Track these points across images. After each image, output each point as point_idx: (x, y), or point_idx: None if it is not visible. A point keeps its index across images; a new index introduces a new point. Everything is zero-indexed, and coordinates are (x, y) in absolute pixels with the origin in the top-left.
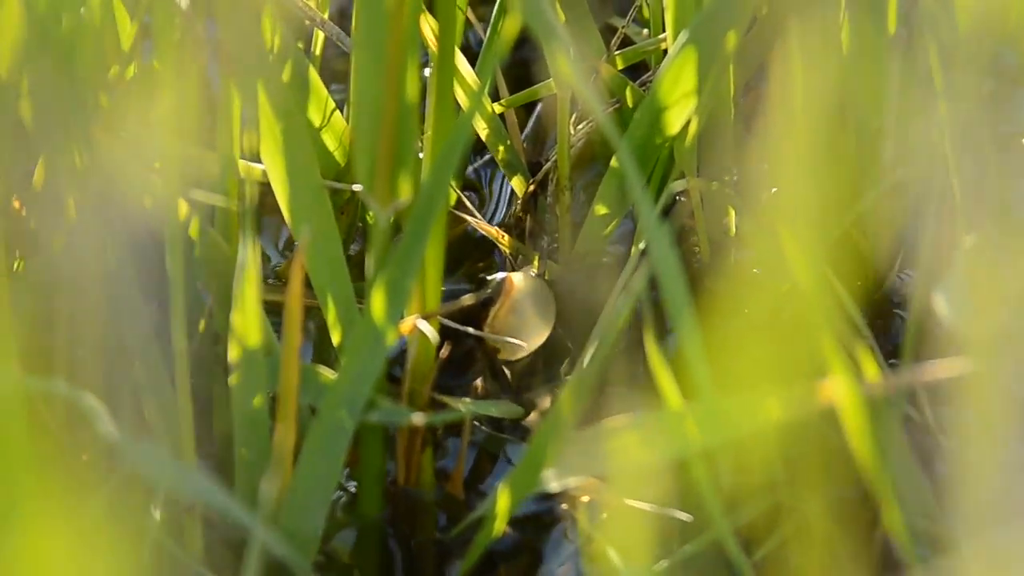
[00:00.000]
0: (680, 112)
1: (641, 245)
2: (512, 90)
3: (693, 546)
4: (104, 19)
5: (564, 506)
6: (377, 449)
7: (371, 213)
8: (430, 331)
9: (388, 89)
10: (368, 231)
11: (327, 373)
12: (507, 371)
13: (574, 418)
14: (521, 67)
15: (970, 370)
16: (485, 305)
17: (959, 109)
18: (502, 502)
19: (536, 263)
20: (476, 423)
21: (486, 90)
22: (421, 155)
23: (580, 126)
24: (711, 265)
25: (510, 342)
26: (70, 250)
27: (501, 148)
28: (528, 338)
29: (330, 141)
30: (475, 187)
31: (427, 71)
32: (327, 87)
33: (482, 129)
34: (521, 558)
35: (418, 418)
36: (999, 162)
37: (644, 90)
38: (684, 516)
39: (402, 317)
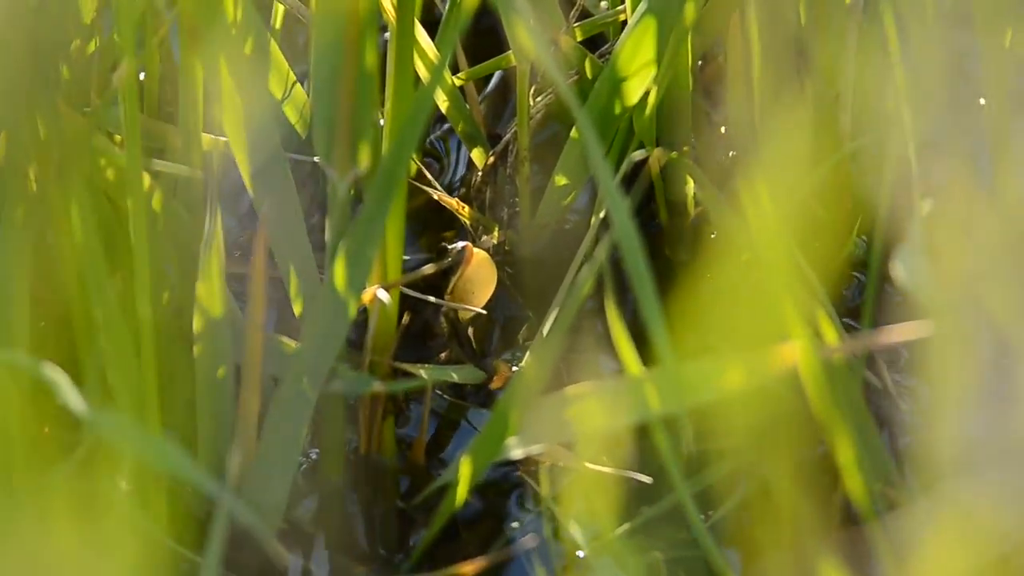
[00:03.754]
0: (639, 82)
1: (601, 214)
2: (471, 62)
3: (654, 509)
4: None
5: (527, 472)
6: (338, 417)
7: (329, 189)
8: (389, 300)
9: (346, 59)
10: (328, 201)
11: (290, 343)
12: (471, 338)
13: (537, 385)
14: (478, 38)
15: (929, 334)
16: (445, 274)
17: (915, 75)
18: (465, 469)
19: (496, 233)
20: (437, 391)
21: (447, 63)
22: (381, 124)
23: (539, 98)
24: (670, 233)
25: (468, 308)
26: (32, 221)
27: (461, 121)
28: (478, 300)
29: (291, 113)
30: (435, 156)
31: (386, 36)
32: (288, 60)
33: (442, 102)
34: (484, 524)
35: (379, 386)
36: (956, 126)
37: (603, 62)
38: (645, 479)
39: (364, 287)
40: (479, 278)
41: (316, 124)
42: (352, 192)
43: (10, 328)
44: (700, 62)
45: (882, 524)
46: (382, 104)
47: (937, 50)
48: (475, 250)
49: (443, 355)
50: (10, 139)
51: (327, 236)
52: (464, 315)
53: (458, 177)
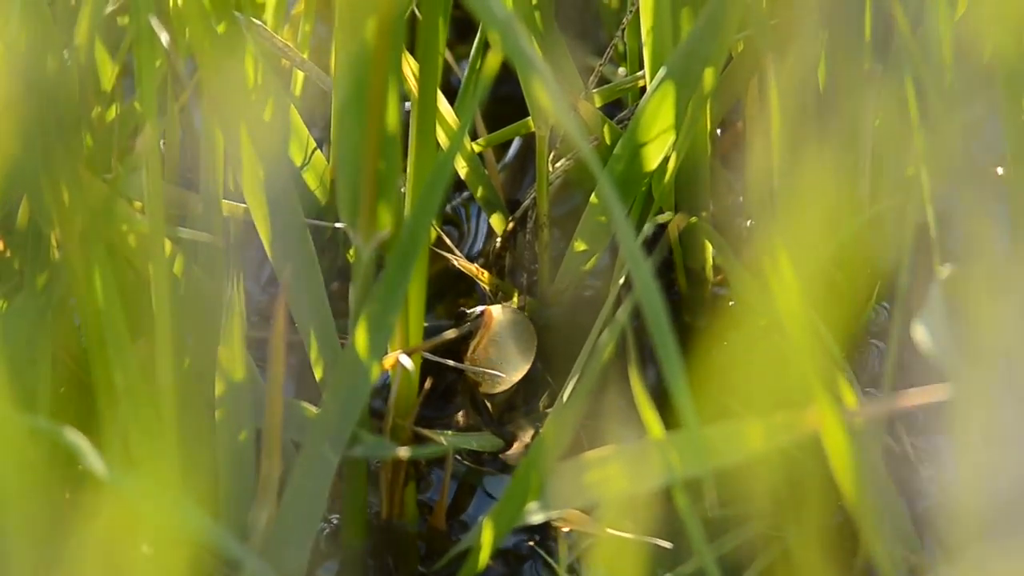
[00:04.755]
0: (659, 148)
1: (621, 279)
2: (489, 128)
3: (676, 575)
4: (87, 59)
5: (547, 538)
6: (360, 482)
7: (353, 249)
8: (412, 366)
9: (370, 123)
10: (349, 268)
11: (311, 408)
12: (488, 404)
13: (557, 450)
14: (496, 105)
15: (948, 396)
16: (465, 339)
17: (934, 142)
18: (486, 534)
19: (516, 298)
20: (458, 457)
21: (466, 130)
22: (403, 190)
23: (559, 163)
24: (689, 300)
25: (490, 374)
26: (54, 287)
27: (480, 187)
28: (508, 370)
29: (311, 180)
30: (455, 222)
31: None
32: (308, 126)
33: (462, 168)
34: None
35: (402, 452)
36: (975, 191)
37: (622, 128)
38: (667, 545)
39: (385, 352)
40: (511, 342)
41: (340, 188)
42: (374, 259)
43: (32, 393)
44: (719, 128)
45: None
46: (404, 171)
47: (956, 116)
48: (507, 312)
49: (462, 417)
50: (32, 205)
51: (351, 299)
52: (490, 384)
53: (478, 244)
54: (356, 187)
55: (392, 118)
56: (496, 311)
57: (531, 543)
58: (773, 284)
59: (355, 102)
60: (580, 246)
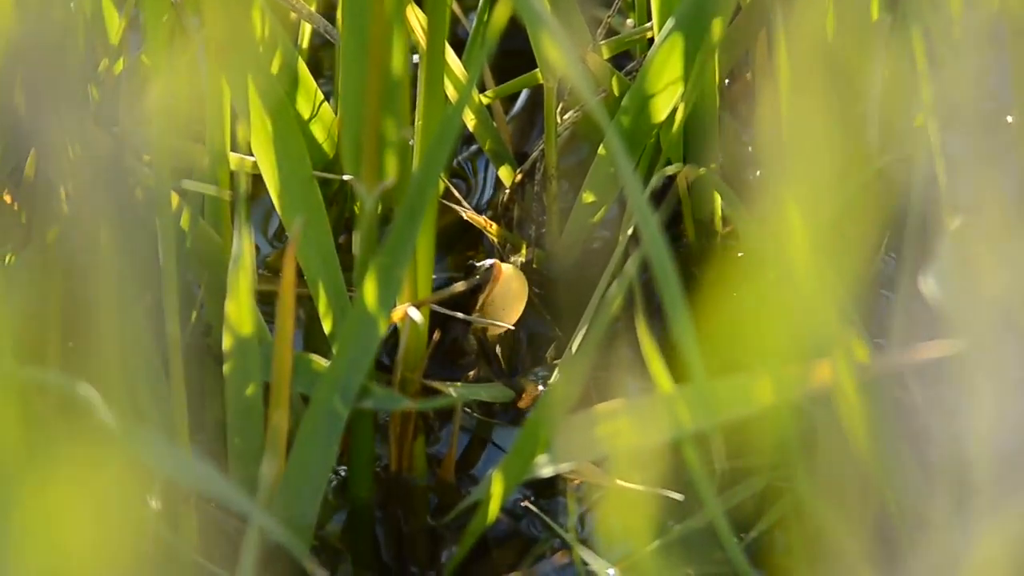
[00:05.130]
0: (667, 100)
1: (629, 231)
2: (498, 80)
3: (685, 527)
4: (93, 13)
5: (557, 490)
6: (368, 435)
7: (359, 201)
8: (420, 318)
9: (372, 72)
10: (356, 220)
11: (319, 361)
12: (499, 355)
13: (566, 403)
14: (504, 57)
15: (959, 350)
16: (474, 292)
17: (943, 92)
18: (496, 488)
19: (524, 250)
20: (467, 409)
21: (474, 83)
22: (412, 143)
23: (567, 115)
24: (698, 251)
25: (498, 325)
26: (62, 243)
27: (488, 139)
28: (508, 317)
29: (319, 132)
30: (463, 175)
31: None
32: (315, 79)
33: (470, 120)
34: (514, 542)
35: (410, 404)
36: (983, 143)
37: (630, 79)
38: (676, 496)
39: (394, 305)
40: (509, 294)
41: (343, 138)
42: (381, 211)
43: (41, 347)
44: (727, 79)
45: (916, 542)
46: (413, 123)
47: (965, 66)
48: (505, 266)
49: (472, 373)
50: (41, 159)
51: (355, 249)
52: (493, 333)
53: (486, 196)
54: (359, 137)
55: (397, 68)
56: (505, 265)
57: (541, 496)
58: (782, 235)
59: (357, 51)
60: (588, 198)
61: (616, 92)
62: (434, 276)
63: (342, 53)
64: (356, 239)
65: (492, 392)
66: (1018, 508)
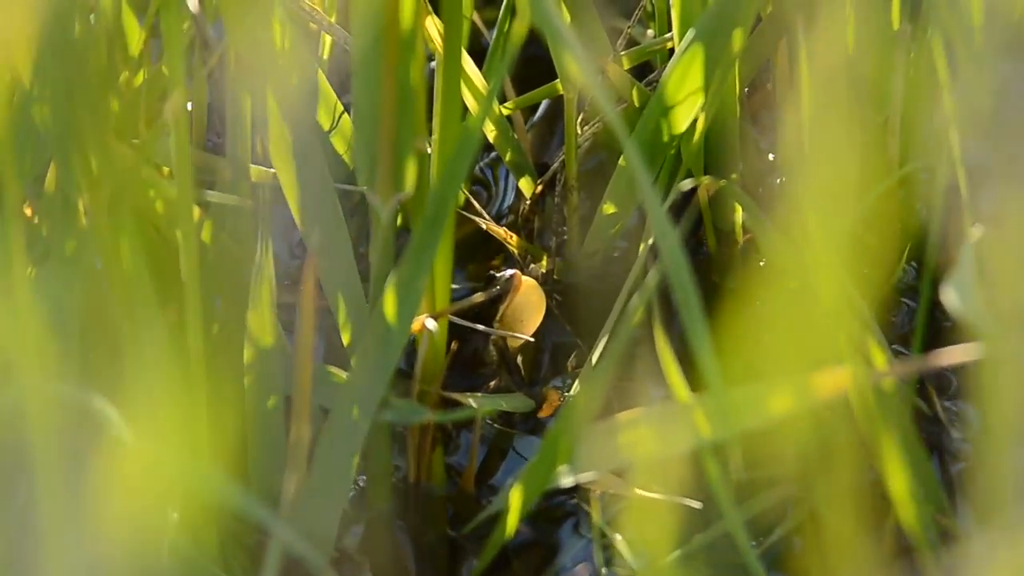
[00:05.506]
0: (687, 110)
1: (649, 241)
2: (518, 91)
3: (704, 537)
4: (114, 24)
5: (578, 500)
6: (387, 446)
7: (372, 215)
8: (438, 329)
9: (387, 82)
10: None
11: (340, 373)
12: (519, 365)
13: (587, 413)
14: (525, 67)
15: (979, 357)
16: (494, 302)
17: (964, 101)
18: (516, 498)
19: (544, 262)
20: (487, 419)
21: (495, 94)
22: (429, 152)
23: (587, 126)
24: (719, 260)
25: (517, 336)
26: (82, 254)
27: (509, 150)
28: (526, 328)
29: (339, 144)
30: (483, 184)
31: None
32: (335, 90)
33: (490, 131)
34: (535, 553)
35: (430, 416)
36: (1005, 152)
37: (650, 90)
38: (696, 505)
39: (413, 317)
40: (528, 305)
41: (358, 149)
42: (400, 221)
43: (61, 360)
44: (748, 89)
45: (935, 554)
46: (430, 133)
47: (986, 75)
48: (523, 278)
49: (492, 383)
50: (60, 172)
51: (372, 261)
52: (513, 343)
53: (506, 206)
54: (373, 146)
55: (413, 78)
56: (524, 277)
57: (562, 506)
58: (803, 245)
59: (372, 61)
60: (609, 209)
61: (636, 103)
62: (454, 287)
63: (356, 63)
64: (371, 250)
65: (512, 402)
66: None
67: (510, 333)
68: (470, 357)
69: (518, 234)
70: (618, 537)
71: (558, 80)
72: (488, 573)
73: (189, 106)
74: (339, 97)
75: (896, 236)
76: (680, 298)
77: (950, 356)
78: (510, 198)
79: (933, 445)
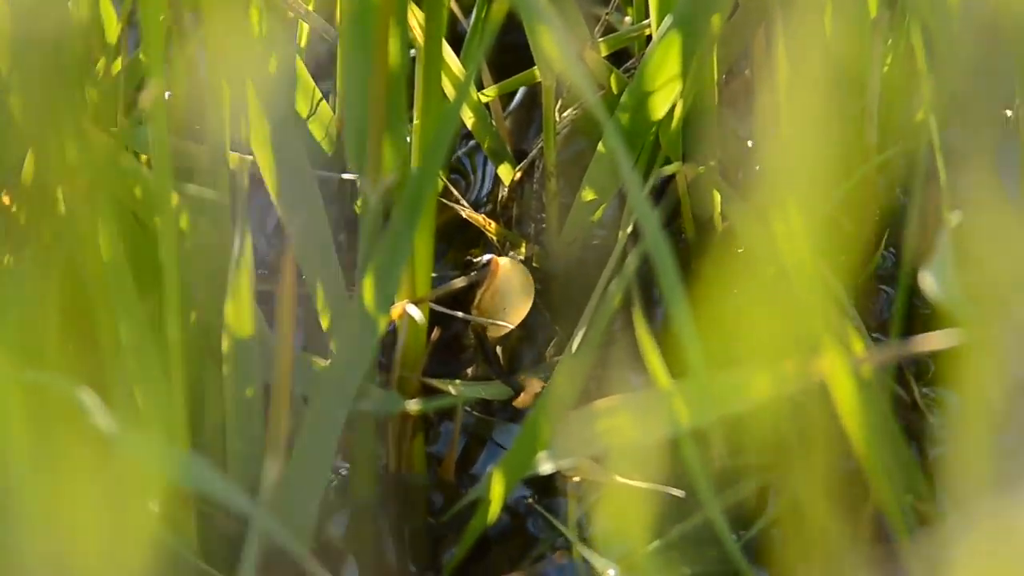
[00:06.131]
0: (665, 97)
1: (629, 228)
2: (496, 78)
3: (684, 525)
4: (91, 12)
5: (557, 488)
6: (368, 435)
7: (361, 199)
8: (420, 316)
9: (376, 70)
10: (356, 219)
11: (319, 361)
12: (498, 353)
13: (566, 400)
14: (503, 54)
15: (957, 343)
16: (472, 288)
17: (942, 88)
18: (496, 485)
19: (524, 248)
20: (466, 407)
21: (472, 80)
22: (410, 140)
23: (565, 113)
24: (697, 247)
25: (497, 324)
26: (60, 242)
27: (487, 137)
28: (513, 318)
29: (317, 131)
30: (461, 172)
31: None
32: (313, 78)
33: (468, 118)
34: (514, 541)
35: (411, 406)
36: (983, 138)
37: (628, 77)
38: (677, 493)
39: (392, 303)
40: (511, 290)
41: (347, 136)
42: (382, 209)
43: (39, 349)
44: (726, 76)
45: (914, 539)
46: (411, 121)
47: (964, 61)
48: (508, 261)
49: (471, 370)
50: (38, 160)
51: (360, 246)
52: (492, 331)
53: (484, 193)
54: (363, 134)
55: (396, 64)
56: (503, 260)
57: (541, 494)
58: (781, 231)
59: (359, 49)
60: (588, 195)
61: (615, 89)
62: (433, 274)
63: (342, 51)
64: (360, 235)
65: (492, 390)
66: (1017, 504)
67: (492, 321)
68: (451, 342)
69: (497, 221)
70: (597, 525)
71: (536, 67)
72: (468, 561)
73: (167, 94)
74: (317, 84)
75: (874, 222)
76: (662, 279)
77: (928, 342)
78: (489, 186)
79: (911, 430)
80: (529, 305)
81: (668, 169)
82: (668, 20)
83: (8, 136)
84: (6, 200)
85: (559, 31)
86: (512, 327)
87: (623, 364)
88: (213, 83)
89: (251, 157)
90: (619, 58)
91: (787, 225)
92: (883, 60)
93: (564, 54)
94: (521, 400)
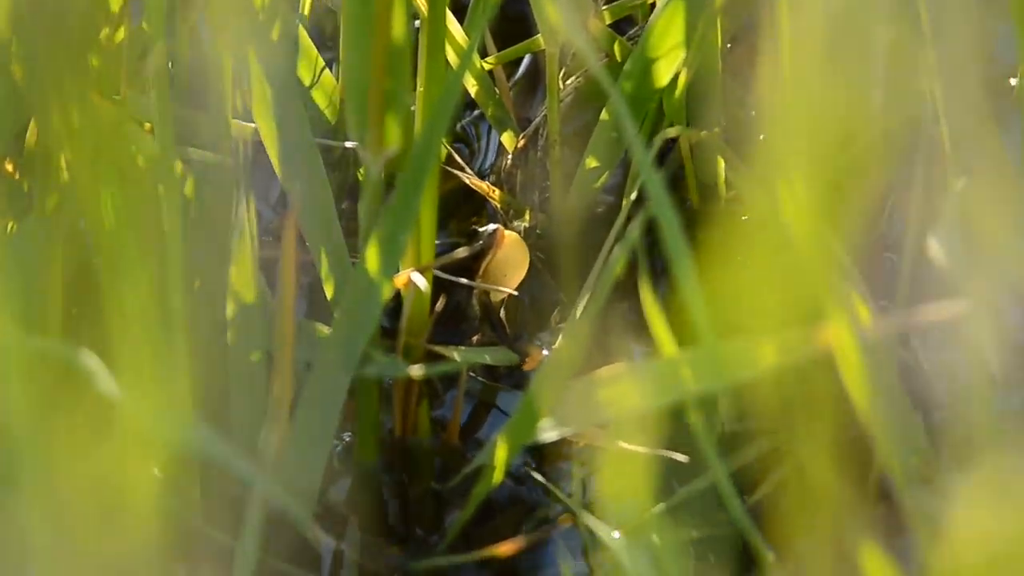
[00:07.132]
0: (669, 64)
1: (632, 195)
2: (500, 46)
3: (689, 490)
4: None
5: (561, 453)
6: (373, 400)
7: (363, 168)
8: (424, 284)
9: (377, 39)
10: (359, 187)
11: (322, 328)
12: (503, 320)
13: (570, 366)
14: (507, 23)
15: (963, 311)
16: (477, 257)
17: (947, 55)
18: (500, 452)
19: (528, 216)
20: (471, 373)
21: (475, 48)
22: (413, 109)
23: (569, 81)
24: (701, 215)
25: (500, 290)
26: (64, 209)
27: (491, 105)
28: (511, 282)
29: (320, 99)
30: (465, 141)
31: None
32: (316, 46)
33: (472, 86)
34: (518, 505)
35: (415, 371)
36: (988, 104)
37: (632, 44)
38: (681, 459)
39: (397, 270)
40: (511, 260)
41: (348, 104)
42: (384, 178)
43: (43, 315)
44: (730, 43)
45: (918, 500)
46: (414, 89)
47: (969, 29)
48: (507, 232)
49: (476, 338)
50: (41, 128)
51: (360, 216)
52: (496, 297)
53: (488, 163)
54: (364, 103)
55: (399, 33)
56: (507, 231)
57: (546, 460)
58: (785, 198)
59: (362, 17)
60: (592, 163)
61: (618, 57)
62: (437, 242)
63: (345, 19)
64: (360, 204)
65: (496, 356)
66: (1019, 467)
67: (494, 287)
68: (455, 311)
69: (501, 189)
70: (601, 490)
71: (540, 35)
72: (471, 526)
73: (170, 63)
74: (320, 53)
75: (879, 189)
76: (667, 242)
77: (934, 312)
78: (492, 155)
79: (916, 395)
80: (524, 271)
81: (671, 132)
82: None
83: (12, 104)
84: (10, 168)
85: (562, 0)
86: (513, 292)
87: (627, 332)
88: (216, 51)
89: (254, 125)
90: (623, 26)
91: (792, 192)
92: (888, 26)
93: (568, 22)
94: (526, 366)
